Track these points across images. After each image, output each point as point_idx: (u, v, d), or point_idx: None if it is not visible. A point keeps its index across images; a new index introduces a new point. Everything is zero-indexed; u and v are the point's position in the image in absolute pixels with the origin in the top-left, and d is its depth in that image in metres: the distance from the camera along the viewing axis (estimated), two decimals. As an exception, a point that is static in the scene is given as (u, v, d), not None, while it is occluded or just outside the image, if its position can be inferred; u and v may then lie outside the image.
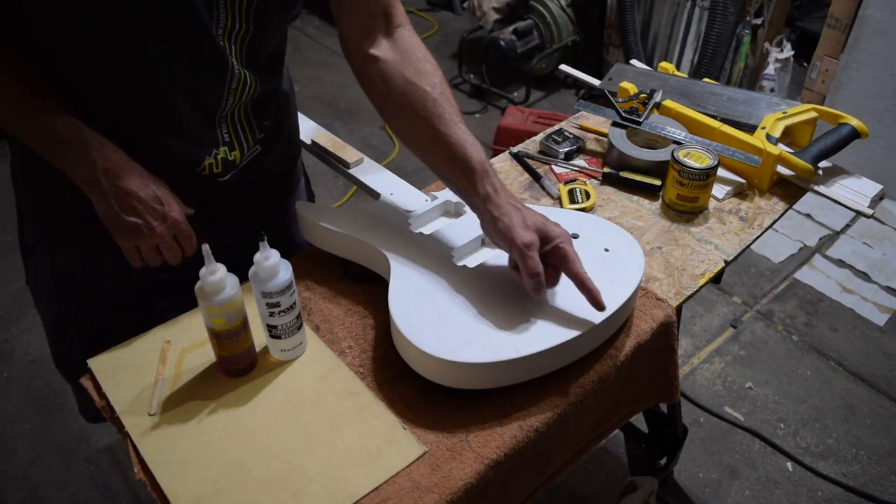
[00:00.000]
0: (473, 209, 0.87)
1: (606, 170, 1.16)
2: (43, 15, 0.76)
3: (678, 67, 3.05)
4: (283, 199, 1.10)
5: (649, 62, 3.06)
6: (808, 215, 2.64)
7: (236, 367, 0.84)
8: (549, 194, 1.14)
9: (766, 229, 1.09)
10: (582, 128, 1.31)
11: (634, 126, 1.19)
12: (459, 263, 0.92)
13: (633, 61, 1.44)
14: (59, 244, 0.98)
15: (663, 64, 1.37)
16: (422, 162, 0.90)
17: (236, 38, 0.85)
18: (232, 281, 0.78)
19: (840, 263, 2.44)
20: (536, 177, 1.17)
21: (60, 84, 0.81)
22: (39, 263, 1.02)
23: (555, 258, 0.83)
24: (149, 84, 0.83)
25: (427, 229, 0.97)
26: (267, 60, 0.92)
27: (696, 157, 1.08)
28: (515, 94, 3.35)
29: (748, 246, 1.06)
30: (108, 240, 0.86)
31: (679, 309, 0.98)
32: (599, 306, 0.82)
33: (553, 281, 0.85)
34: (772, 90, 3.00)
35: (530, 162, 1.21)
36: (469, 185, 0.85)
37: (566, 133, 1.26)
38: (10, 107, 0.80)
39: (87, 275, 0.99)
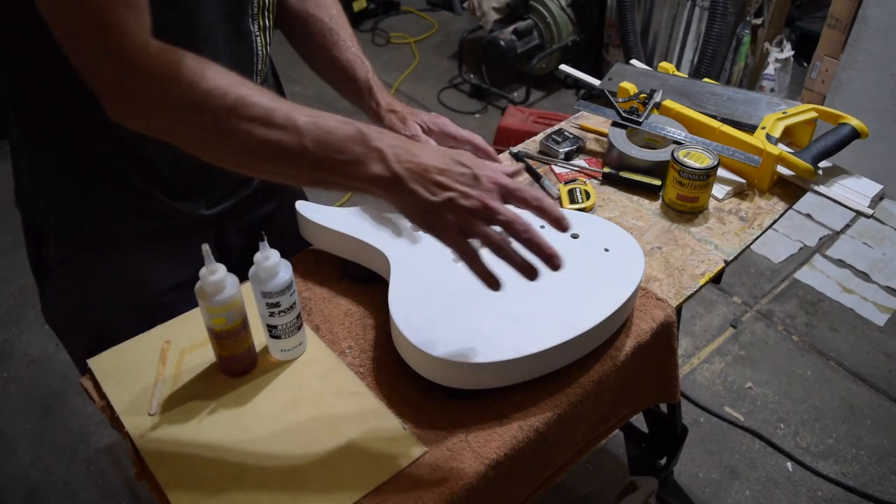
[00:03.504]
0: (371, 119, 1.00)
1: (606, 170, 1.16)
2: None
3: (678, 67, 3.05)
4: None
5: (649, 62, 3.06)
6: (808, 215, 2.64)
7: (236, 367, 0.84)
8: (549, 194, 1.14)
9: (766, 229, 1.09)
10: (582, 128, 1.31)
11: (634, 126, 1.19)
12: (459, 263, 0.92)
13: (633, 61, 1.44)
14: (102, 255, 0.94)
15: (663, 64, 1.37)
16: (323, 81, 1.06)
17: (268, 15, 0.89)
18: (232, 281, 0.78)
19: (840, 263, 2.44)
20: (536, 177, 1.17)
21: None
22: (64, 281, 0.97)
23: None
24: None
25: (427, 229, 0.97)
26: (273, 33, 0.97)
27: (696, 157, 1.08)
28: (515, 94, 3.35)
29: (748, 246, 1.06)
30: (161, 239, 0.92)
31: (679, 309, 0.98)
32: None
33: None
34: (772, 90, 3.00)
35: (530, 162, 1.21)
36: (359, 101, 1.02)
37: (566, 133, 1.26)
38: (261, 134, 0.68)
39: (139, 279, 0.96)
